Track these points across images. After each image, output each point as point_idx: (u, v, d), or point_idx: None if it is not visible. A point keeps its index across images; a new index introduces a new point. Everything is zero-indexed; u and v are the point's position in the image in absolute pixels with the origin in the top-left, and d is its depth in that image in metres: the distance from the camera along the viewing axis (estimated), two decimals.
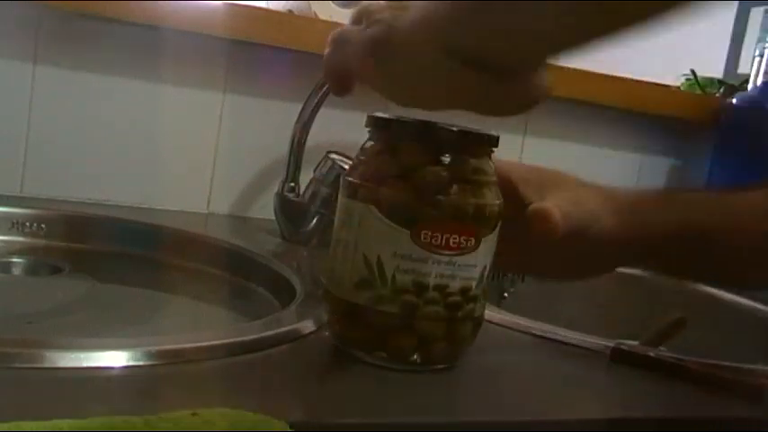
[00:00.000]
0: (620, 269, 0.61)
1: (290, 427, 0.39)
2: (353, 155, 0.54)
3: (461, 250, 0.50)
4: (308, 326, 0.57)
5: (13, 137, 0.89)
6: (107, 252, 0.82)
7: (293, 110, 0.89)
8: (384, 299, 0.50)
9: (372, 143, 0.53)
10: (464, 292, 0.51)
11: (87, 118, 0.91)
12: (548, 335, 0.65)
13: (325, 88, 0.85)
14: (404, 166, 0.50)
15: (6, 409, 0.38)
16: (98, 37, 0.90)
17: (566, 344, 0.64)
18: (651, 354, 0.62)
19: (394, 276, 0.49)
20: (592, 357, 0.62)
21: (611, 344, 0.62)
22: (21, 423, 0.35)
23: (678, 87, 1.44)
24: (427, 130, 0.51)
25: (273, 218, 0.91)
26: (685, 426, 0.53)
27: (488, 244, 0.51)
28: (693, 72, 1.44)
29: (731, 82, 1.43)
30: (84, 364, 0.45)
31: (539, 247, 0.53)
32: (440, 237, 0.49)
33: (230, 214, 0.99)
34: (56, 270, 0.75)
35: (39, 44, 0.88)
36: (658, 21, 0.33)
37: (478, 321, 0.53)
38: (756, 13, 2.39)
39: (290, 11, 1.09)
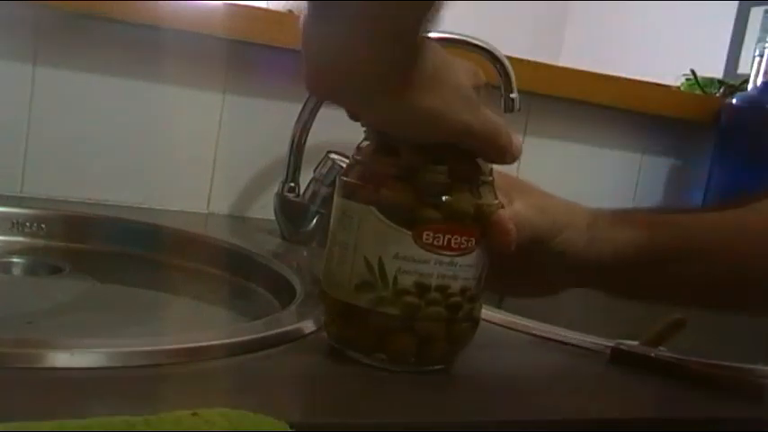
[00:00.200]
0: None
1: (290, 427, 0.39)
2: None
3: (462, 251, 0.50)
4: (308, 326, 0.56)
5: (13, 137, 0.89)
6: (107, 252, 0.82)
7: (293, 110, 0.89)
8: (385, 301, 0.49)
9: (369, 143, 0.53)
10: (464, 292, 0.51)
11: (87, 118, 0.91)
12: (547, 335, 0.65)
13: None
14: (404, 167, 0.50)
15: (6, 409, 0.38)
16: (98, 37, 0.90)
17: (565, 344, 0.64)
18: (651, 354, 0.62)
19: (396, 278, 0.49)
20: (591, 357, 0.62)
21: (610, 344, 0.62)
22: (21, 423, 0.35)
23: (678, 87, 1.43)
24: None
25: (273, 218, 0.91)
26: (685, 426, 0.53)
27: (486, 244, 0.51)
28: (693, 72, 1.44)
29: (731, 82, 1.43)
30: (84, 365, 0.45)
31: (498, 258, 0.53)
32: (442, 237, 0.49)
33: (230, 214, 0.99)
34: (56, 270, 0.75)
35: (39, 44, 0.88)
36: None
37: (477, 321, 0.53)
38: (756, 13, 2.40)
39: (290, 11, 1.09)
